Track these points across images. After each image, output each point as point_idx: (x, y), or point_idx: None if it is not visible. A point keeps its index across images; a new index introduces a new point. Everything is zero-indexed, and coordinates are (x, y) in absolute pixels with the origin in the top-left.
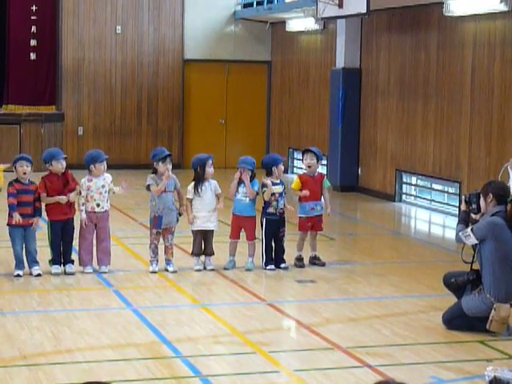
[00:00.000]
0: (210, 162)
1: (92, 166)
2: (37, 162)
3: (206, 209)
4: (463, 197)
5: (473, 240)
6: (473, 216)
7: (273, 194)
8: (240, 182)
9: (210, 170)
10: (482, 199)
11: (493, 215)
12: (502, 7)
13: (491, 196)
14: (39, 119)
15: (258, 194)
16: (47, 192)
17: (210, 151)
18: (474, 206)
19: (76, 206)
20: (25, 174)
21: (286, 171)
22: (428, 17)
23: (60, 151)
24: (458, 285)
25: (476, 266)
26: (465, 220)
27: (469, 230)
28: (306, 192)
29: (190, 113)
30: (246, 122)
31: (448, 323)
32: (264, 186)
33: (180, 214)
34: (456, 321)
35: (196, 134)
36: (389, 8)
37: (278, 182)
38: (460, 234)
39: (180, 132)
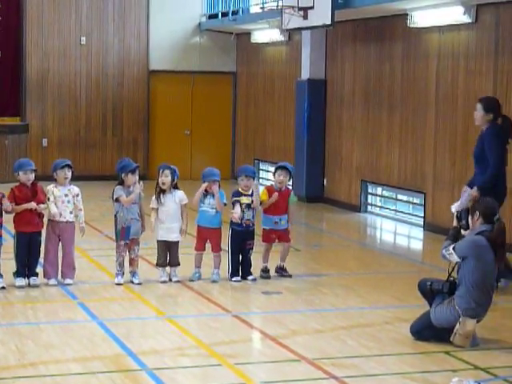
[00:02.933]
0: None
1: (55, 174)
2: (1, 174)
3: (169, 220)
4: (455, 213)
5: (455, 258)
6: (462, 232)
7: (234, 203)
8: (206, 193)
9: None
10: (469, 216)
11: (478, 234)
12: (466, 19)
13: (478, 214)
14: (3, 131)
15: (225, 204)
16: (15, 202)
17: (176, 162)
18: (463, 222)
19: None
20: None
21: None
22: (392, 28)
23: (29, 163)
24: (431, 291)
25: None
26: (454, 236)
27: (451, 247)
28: (275, 195)
29: (156, 124)
30: (211, 133)
31: (416, 334)
32: (235, 197)
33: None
34: (424, 332)
35: (161, 145)
36: (353, 19)
37: (248, 193)
38: (443, 251)
39: (145, 143)
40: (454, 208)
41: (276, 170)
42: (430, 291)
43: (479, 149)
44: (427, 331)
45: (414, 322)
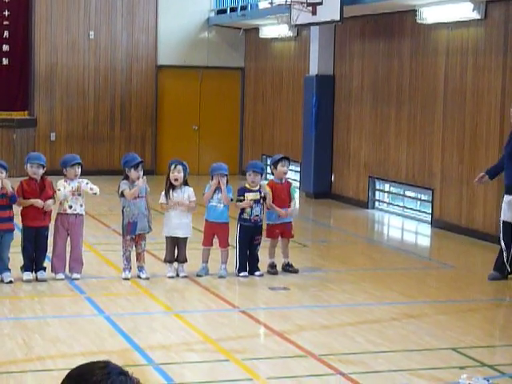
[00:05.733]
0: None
1: (65, 170)
2: (10, 168)
3: (178, 216)
4: None
5: None
6: None
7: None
8: (215, 188)
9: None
10: None
11: None
12: (475, 15)
13: None
14: (11, 125)
15: (232, 200)
16: (23, 195)
17: (184, 157)
18: None
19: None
20: None
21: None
22: (401, 24)
23: (38, 157)
24: None
25: None
26: None
27: None
28: (281, 212)
29: (164, 119)
30: (219, 129)
31: None
32: (240, 194)
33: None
34: None
35: (169, 141)
36: (362, 15)
37: (256, 189)
38: None
39: (153, 138)
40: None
41: (278, 161)
42: None
43: None
44: None
45: None
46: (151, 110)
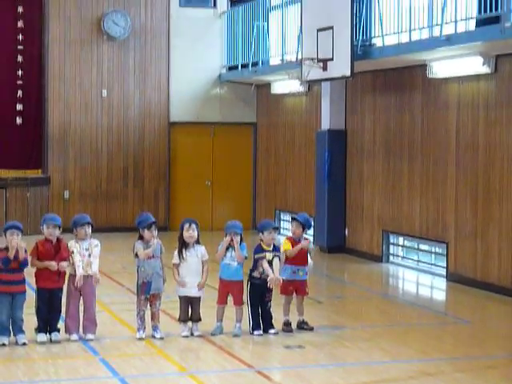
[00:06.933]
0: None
1: (75, 230)
2: (23, 227)
3: (191, 275)
4: None
5: None
6: None
7: (258, 260)
8: (228, 246)
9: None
10: None
11: None
12: (485, 69)
13: None
14: (25, 183)
15: (246, 258)
16: (38, 257)
17: (197, 213)
18: None
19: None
20: None
21: None
22: (412, 78)
23: (53, 217)
24: None
25: None
26: None
27: None
28: (304, 243)
29: (177, 175)
30: (232, 184)
31: None
32: (258, 256)
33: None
34: None
35: (182, 197)
36: (373, 70)
37: (271, 248)
38: None
39: (166, 195)
40: None
41: (291, 222)
42: None
43: None
44: None
45: None
46: (164, 167)
